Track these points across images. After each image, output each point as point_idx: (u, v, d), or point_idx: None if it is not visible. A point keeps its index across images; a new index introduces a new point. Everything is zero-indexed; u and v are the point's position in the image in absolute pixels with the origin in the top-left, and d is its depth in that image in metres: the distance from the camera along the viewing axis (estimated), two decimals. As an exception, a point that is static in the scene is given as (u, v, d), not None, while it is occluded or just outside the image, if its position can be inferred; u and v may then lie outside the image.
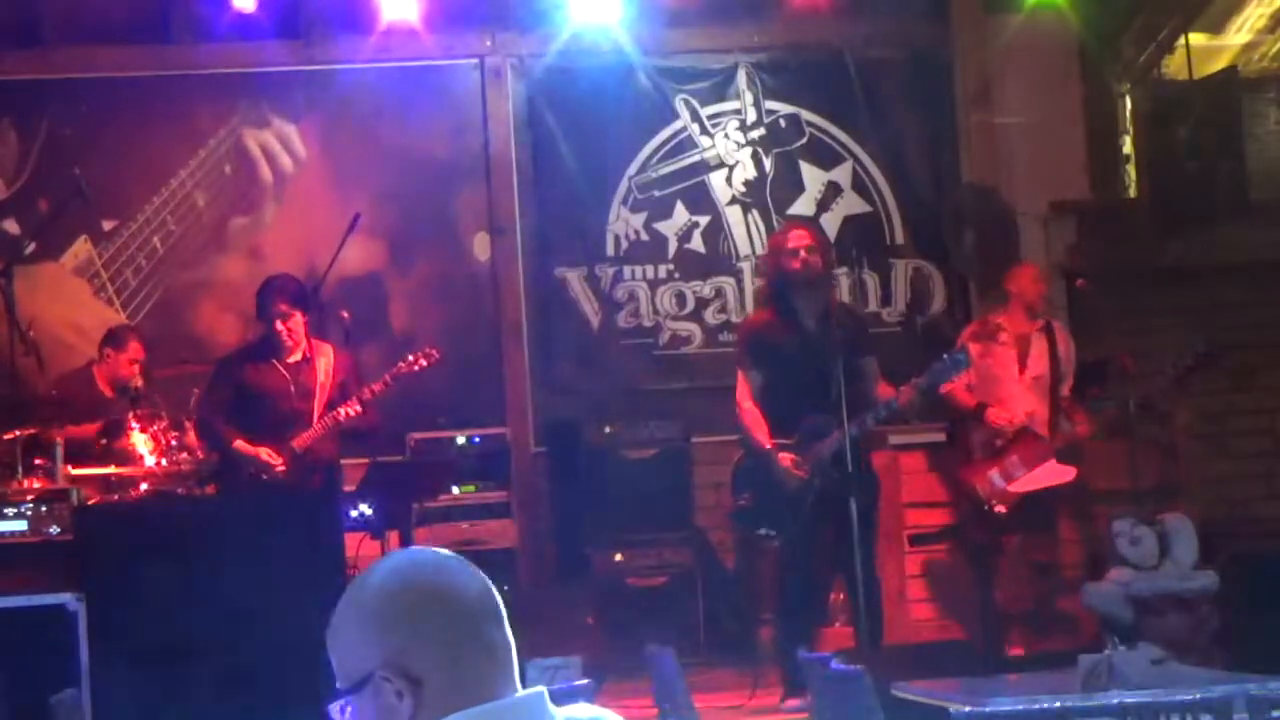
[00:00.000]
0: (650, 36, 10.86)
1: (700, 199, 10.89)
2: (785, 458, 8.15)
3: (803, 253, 8.29)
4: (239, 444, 8.45)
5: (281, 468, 8.37)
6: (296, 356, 8.58)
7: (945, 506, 10.05)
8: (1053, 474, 9.01)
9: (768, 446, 8.18)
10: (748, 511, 8.35)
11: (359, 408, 8.44)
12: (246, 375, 8.58)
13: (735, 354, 8.77)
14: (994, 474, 8.95)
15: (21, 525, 8.02)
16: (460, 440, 10.12)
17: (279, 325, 8.51)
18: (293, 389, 8.52)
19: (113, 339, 9.50)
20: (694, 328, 10.83)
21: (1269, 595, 7.56)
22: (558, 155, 10.75)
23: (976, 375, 8.92)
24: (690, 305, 10.84)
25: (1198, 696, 4.93)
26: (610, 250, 10.79)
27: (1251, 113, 10.80)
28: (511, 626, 2.16)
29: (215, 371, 8.85)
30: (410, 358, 8.68)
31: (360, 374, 8.79)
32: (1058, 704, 5.16)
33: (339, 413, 8.44)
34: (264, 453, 8.41)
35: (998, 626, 9.05)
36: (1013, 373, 9.20)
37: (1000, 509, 8.92)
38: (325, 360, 8.61)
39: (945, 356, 8.31)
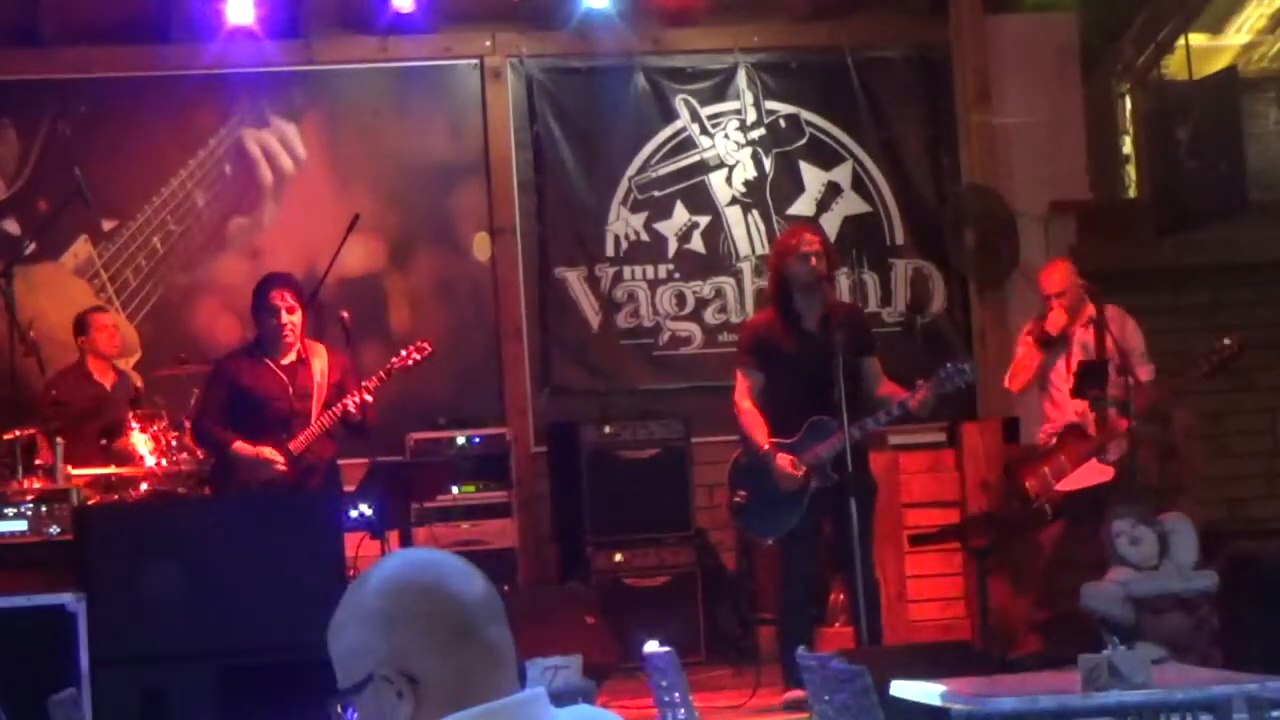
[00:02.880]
0: (650, 36, 10.86)
1: (700, 199, 10.88)
2: (783, 458, 8.17)
3: (813, 258, 8.32)
4: (239, 445, 8.37)
5: (284, 468, 8.34)
6: (291, 357, 8.51)
7: (945, 506, 10.06)
8: (1092, 473, 8.97)
9: (765, 447, 8.20)
10: (744, 509, 8.37)
11: (368, 396, 8.38)
12: (243, 377, 8.50)
13: (736, 354, 8.79)
14: (1046, 471, 8.96)
15: (21, 525, 8.02)
16: (460, 440, 10.12)
17: (283, 318, 8.42)
18: (291, 390, 8.47)
19: (78, 329, 9.51)
20: (694, 328, 10.83)
21: (1269, 595, 7.57)
22: (558, 155, 10.75)
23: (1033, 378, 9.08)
24: (690, 305, 10.84)
25: (1198, 696, 4.94)
26: (610, 250, 10.78)
27: (1251, 113, 10.80)
28: (511, 626, 2.16)
29: (210, 375, 8.76)
30: (404, 352, 8.64)
31: (356, 374, 8.74)
32: (1058, 704, 5.17)
33: (346, 404, 8.37)
34: (266, 452, 8.35)
35: (999, 627, 9.05)
36: (1061, 373, 9.18)
37: (1046, 508, 8.95)
38: (320, 361, 8.56)
39: (949, 365, 8.33)
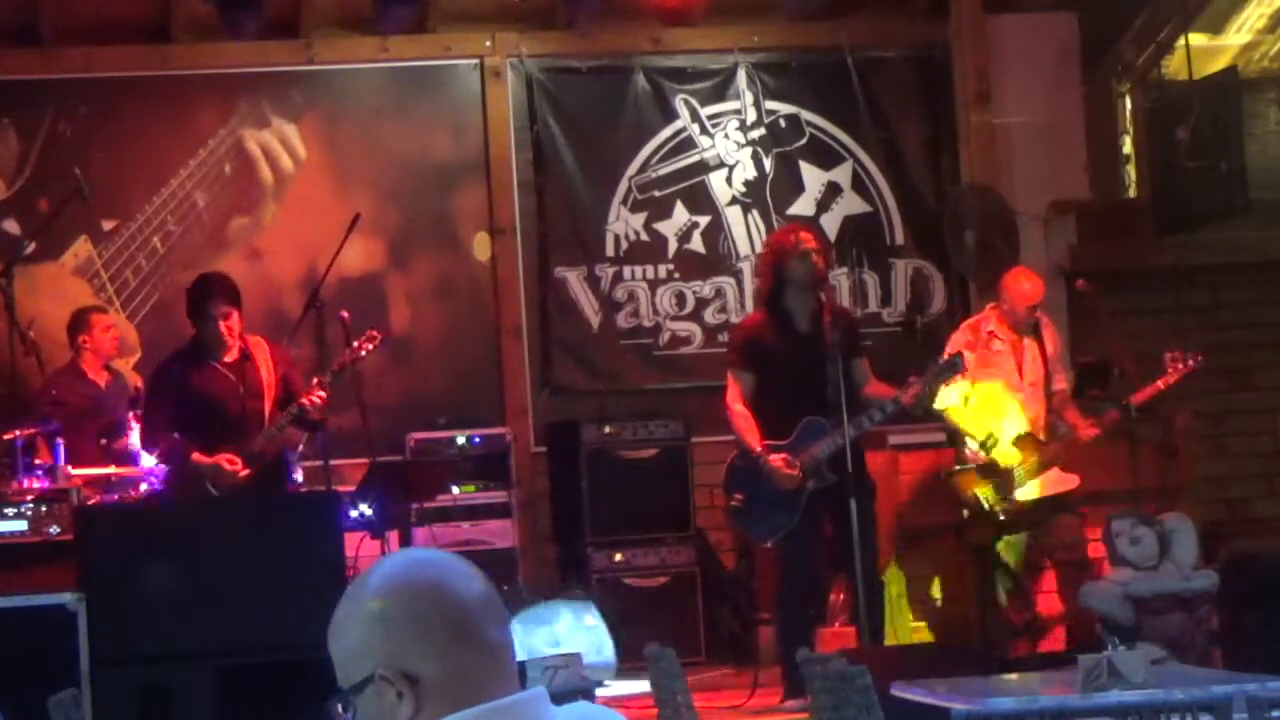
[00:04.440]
0: (650, 36, 10.86)
1: (700, 199, 10.88)
2: (777, 459, 8.17)
3: (813, 255, 8.33)
4: (197, 456, 8.22)
5: (245, 473, 8.24)
6: (233, 355, 8.41)
7: (945, 507, 10.04)
8: (1056, 482, 8.99)
9: (758, 449, 8.20)
10: (742, 511, 8.37)
11: (323, 393, 8.28)
12: (191, 381, 8.34)
13: (726, 356, 8.78)
14: (998, 481, 8.95)
15: (21, 525, 8.01)
16: (460, 440, 10.12)
17: (221, 325, 8.35)
18: (241, 389, 8.35)
19: (78, 327, 9.46)
20: (694, 328, 10.83)
21: (1269, 595, 7.57)
22: (558, 155, 10.75)
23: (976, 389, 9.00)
24: (690, 305, 10.84)
25: (1198, 696, 4.94)
26: (610, 250, 10.78)
27: (1251, 113, 10.79)
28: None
29: (153, 382, 8.61)
30: (355, 344, 8.54)
31: (299, 365, 8.65)
32: (1057, 704, 5.16)
33: (304, 403, 8.25)
34: (224, 461, 8.28)
35: (998, 627, 9.05)
36: (1014, 381, 9.16)
37: (1003, 517, 8.93)
38: (263, 355, 8.46)
39: (941, 360, 8.36)
